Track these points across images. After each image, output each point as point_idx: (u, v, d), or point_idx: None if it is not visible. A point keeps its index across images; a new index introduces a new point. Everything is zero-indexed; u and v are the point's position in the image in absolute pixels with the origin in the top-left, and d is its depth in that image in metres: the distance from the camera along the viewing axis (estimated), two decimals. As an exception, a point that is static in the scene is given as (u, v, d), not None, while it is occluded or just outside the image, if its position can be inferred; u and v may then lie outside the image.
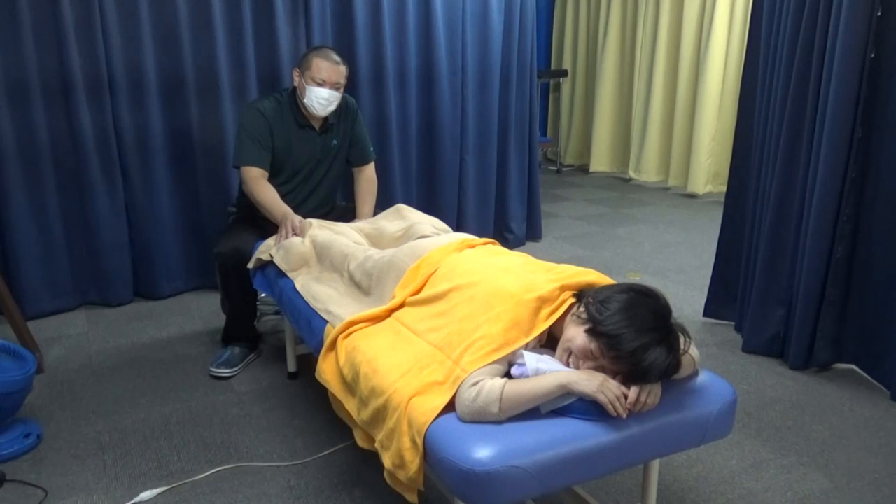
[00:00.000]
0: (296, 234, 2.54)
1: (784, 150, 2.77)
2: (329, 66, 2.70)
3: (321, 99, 2.72)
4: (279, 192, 2.76)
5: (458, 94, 4.11)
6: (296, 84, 2.79)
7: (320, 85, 2.70)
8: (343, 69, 2.76)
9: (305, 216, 2.75)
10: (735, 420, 1.67)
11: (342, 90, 2.78)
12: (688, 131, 6.12)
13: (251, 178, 2.73)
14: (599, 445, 1.45)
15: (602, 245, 4.62)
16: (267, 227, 2.73)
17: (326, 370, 1.90)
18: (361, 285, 2.17)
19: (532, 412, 1.48)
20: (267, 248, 2.55)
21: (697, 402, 1.59)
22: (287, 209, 2.67)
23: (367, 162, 3.05)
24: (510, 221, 4.49)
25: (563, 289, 1.67)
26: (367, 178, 3.06)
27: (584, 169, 7.31)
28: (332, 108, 2.77)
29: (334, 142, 2.91)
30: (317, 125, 2.85)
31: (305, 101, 2.74)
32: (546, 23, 7.57)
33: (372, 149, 3.09)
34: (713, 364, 2.87)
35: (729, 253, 3.20)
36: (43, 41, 3.13)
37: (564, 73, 7.35)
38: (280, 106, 2.81)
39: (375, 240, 2.53)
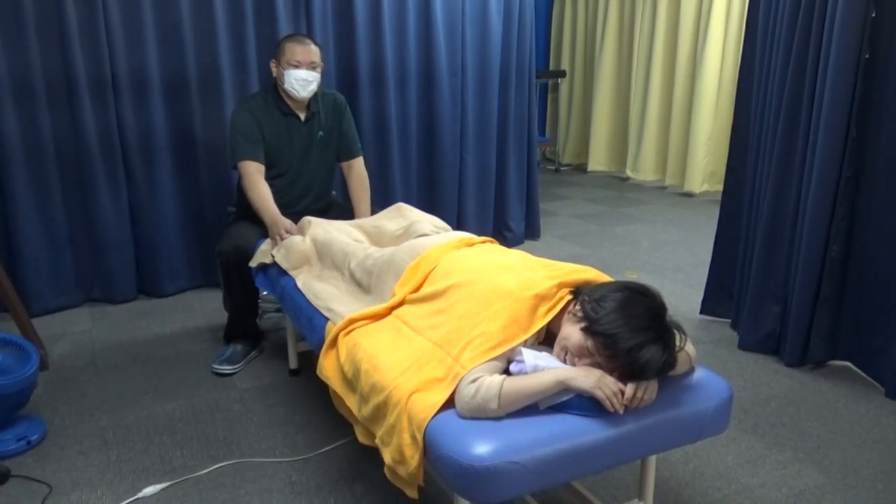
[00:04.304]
0: (290, 234, 2.57)
1: (780, 150, 2.80)
2: (301, 48, 2.78)
3: (300, 79, 2.77)
4: (273, 186, 2.80)
5: (458, 95, 4.13)
6: (274, 74, 2.85)
7: (297, 67, 2.77)
8: (315, 49, 2.82)
9: (303, 212, 2.78)
10: (731, 416, 1.69)
11: (319, 70, 2.83)
12: (685, 131, 6.14)
13: (248, 174, 2.77)
14: (597, 441, 1.47)
15: (600, 243, 4.64)
16: (268, 225, 2.76)
17: (327, 367, 1.92)
18: (362, 283, 2.19)
19: (530, 408, 1.50)
20: (267, 250, 2.57)
21: (694, 398, 1.61)
22: (276, 215, 2.67)
23: (353, 156, 3.08)
24: (509, 220, 4.52)
25: (560, 286, 1.69)
26: (358, 175, 3.08)
27: (582, 168, 7.33)
28: (313, 87, 2.83)
29: (320, 133, 2.95)
30: (301, 114, 2.89)
31: (286, 86, 2.79)
32: (544, 24, 7.59)
33: (360, 145, 3.11)
34: (709, 361, 2.90)
35: (725, 251, 3.23)
36: (47, 41, 3.16)
37: (563, 74, 7.38)
38: (265, 101, 2.87)
39: (376, 238, 2.55)
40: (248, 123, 2.80)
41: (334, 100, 3.00)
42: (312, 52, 2.81)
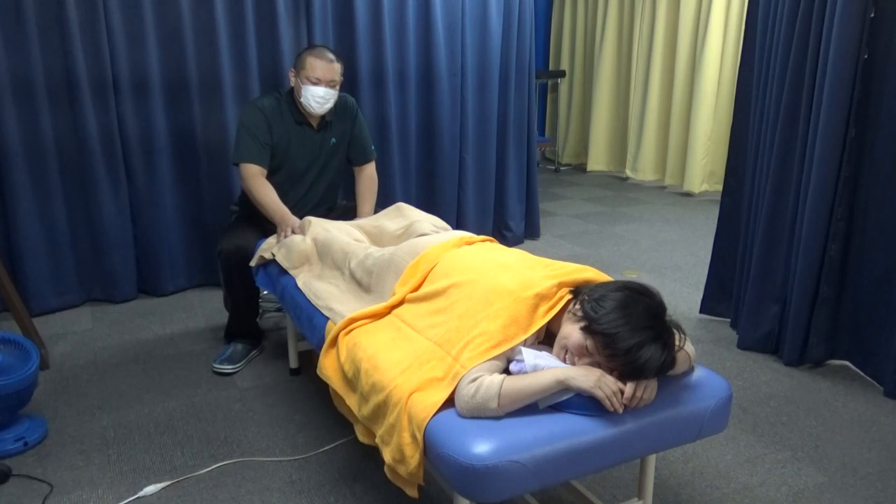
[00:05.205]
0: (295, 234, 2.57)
1: (779, 149, 2.81)
2: (323, 65, 2.73)
3: (317, 97, 2.75)
4: (278, 190, 2.79)
5: (458, 95, 4.14)
6: (292, 84, 2.82)
7: (315, 83, 2.73)
8: (337, 66, 2.78)
9: (306, 214, 2.78)
10: (730, 416, 1.69)
11: (338, 87, 2.80)
12: (684, 131, 6.15)
13: (250, 176, 2.76)
14: (596, 440, 1.47)
15: (599, 243, 4.65)
16: (268, 225, 2.76)
17: (328, 366, 1.92)
18: (362, 283, 2.20)
19: (530, 407, 1.50)
20: (269, 247, 2.58)
21: (693, 397, 1.61)
22: (285, 212, 2.69)
23: (367, 161, 3.08)
24: (509, 220, 4.52)
25: (560, 286, 1.70)
26: (368, 177, 3.08)
27: (581, 168, 7.34)
28: (329, 105, 2.80)
29: (332, 140, 2.94)
30: (314, 123, 2.88)
31: (302, 100, 2.76)
32: (544, 24, 7.60)
33: (373, 148, 3.11)
34: (709, 360, 2.90)
35: (725, 250, 3.24)
36: (48, 42, 3.16)
37: (562, 74, 7.38)
38: (279, 104, 2.84)
39: (376, 238, 2.56)
40: (257, 123, 2.77)
41: (345, 103, 2.97)
42: (334, 69, 2.75)
